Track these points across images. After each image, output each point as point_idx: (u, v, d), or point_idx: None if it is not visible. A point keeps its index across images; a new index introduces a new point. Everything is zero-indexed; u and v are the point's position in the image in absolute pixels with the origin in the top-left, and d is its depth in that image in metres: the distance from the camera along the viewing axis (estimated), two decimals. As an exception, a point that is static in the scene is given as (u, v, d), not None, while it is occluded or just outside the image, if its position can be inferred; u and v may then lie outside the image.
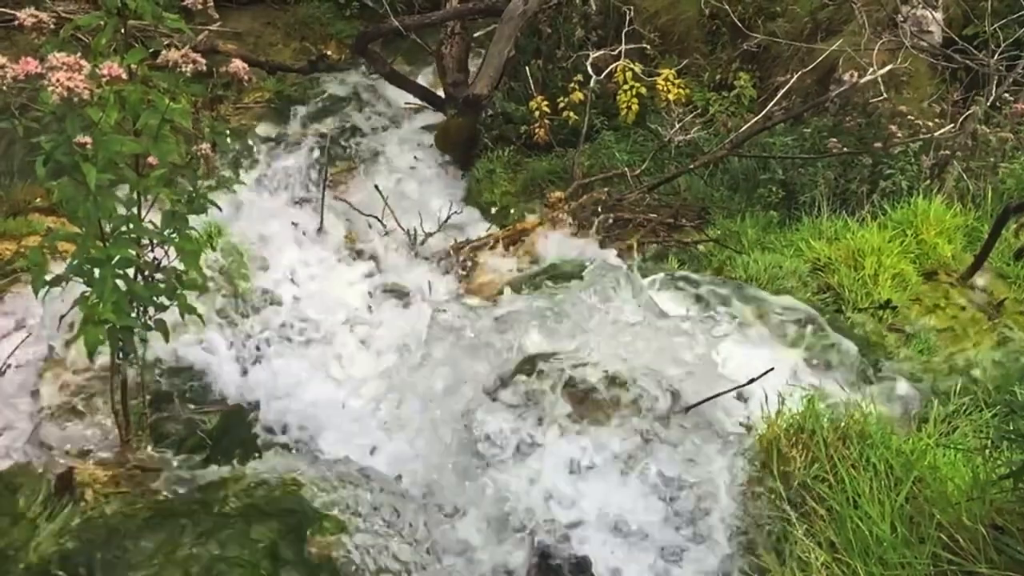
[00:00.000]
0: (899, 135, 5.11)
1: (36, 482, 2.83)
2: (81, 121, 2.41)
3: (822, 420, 2.98)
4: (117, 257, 2.72)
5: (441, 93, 6.70)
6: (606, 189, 5.47)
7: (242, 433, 3.79)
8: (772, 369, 3.26)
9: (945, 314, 4.28)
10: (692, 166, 5.57)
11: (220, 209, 3.13)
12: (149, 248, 3.00)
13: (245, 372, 4.13)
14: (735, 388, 3.29)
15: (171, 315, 3.13)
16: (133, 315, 2.94)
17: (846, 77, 5.52)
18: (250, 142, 6.51)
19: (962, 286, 4.46)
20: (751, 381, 3.21)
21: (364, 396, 3.77)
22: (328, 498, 2.80)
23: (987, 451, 2.84)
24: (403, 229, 5.41)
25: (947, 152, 5.25)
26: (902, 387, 3.71)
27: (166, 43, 2.75)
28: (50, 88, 2.27)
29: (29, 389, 3.99)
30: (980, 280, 4.49)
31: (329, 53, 7.44)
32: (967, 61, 5.77)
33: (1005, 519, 2.38)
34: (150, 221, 2.93)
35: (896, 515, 2.56)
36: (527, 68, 6.27)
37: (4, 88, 2.29)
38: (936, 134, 5.17)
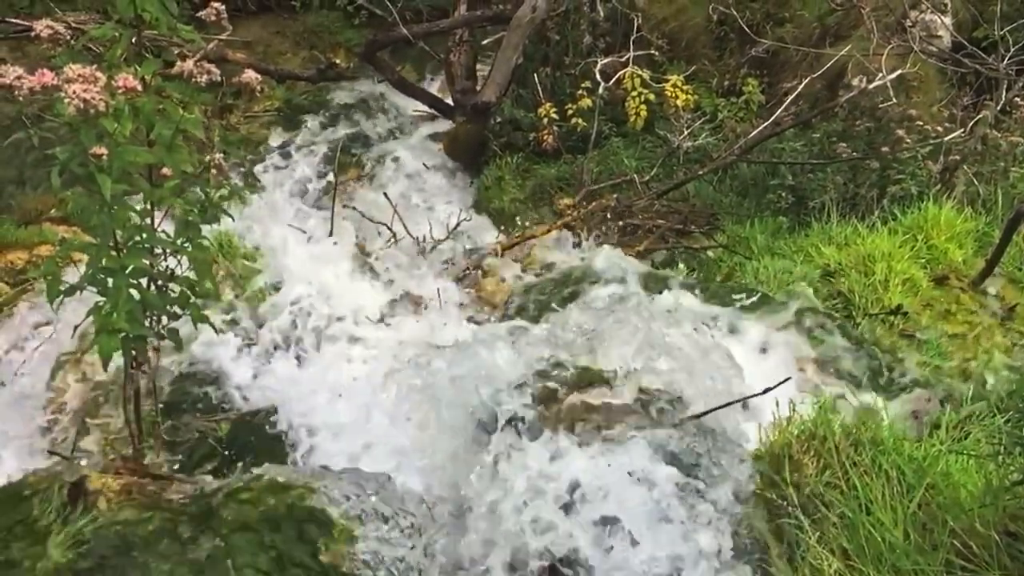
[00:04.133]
0: (908, 140, 5.10)
1: (49, 490, 2.84)
2: (96, 132, 2.43)
3: (834, 426, 2.98)
4: (131, 267, 2.74)
5: (449, 100, 6.72)
6: (615, 195, 5.48)
7: (253, 441, 3.80)
8: (789, 378, 3.25)
9: (956, 319, 4.27)
10: (701, 172, 5.57)
11: (232, 219, 3.14)
12: (162, 257, 3.01)
13: (256, 380, 4.14)
14: (750, 397, 3.28)
15: (184, 324, 3.15)
16: (147, 324, 2.95)
17: (855, 82, 5.51)
18: (260, 151, 6.54)
19: (973, 291, 4.44)
20: (767, 390, 3.19)
21: (376, 404, 3.78)
22: (340, 506, 2.80)
23: (1000, 457, 2.83)
24: (412, 236, 5.42)
25: (957, 157, 5.23)
26: (914, 393, 3.70)
27: (177, 52, 2.76)
28: (66, 100, 2.28)
29: (42, 398, 4.02)
30: (991, 285, 4.47)
31: (338, 61, 7.47)
32: (976, 65, 5.76)
33: (1018, 525, 2.37)
34: (163, 230, 2.95)
35: (909, 521, 2.56)
36: (535, 75, 6.27)
37: (20, 99, 2.31)
38: (946, 139, 5.16)
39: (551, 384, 3.30)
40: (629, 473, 3.03)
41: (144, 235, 2.81)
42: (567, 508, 2.96)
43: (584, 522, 2.91)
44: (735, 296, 4.16)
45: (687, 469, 3.02)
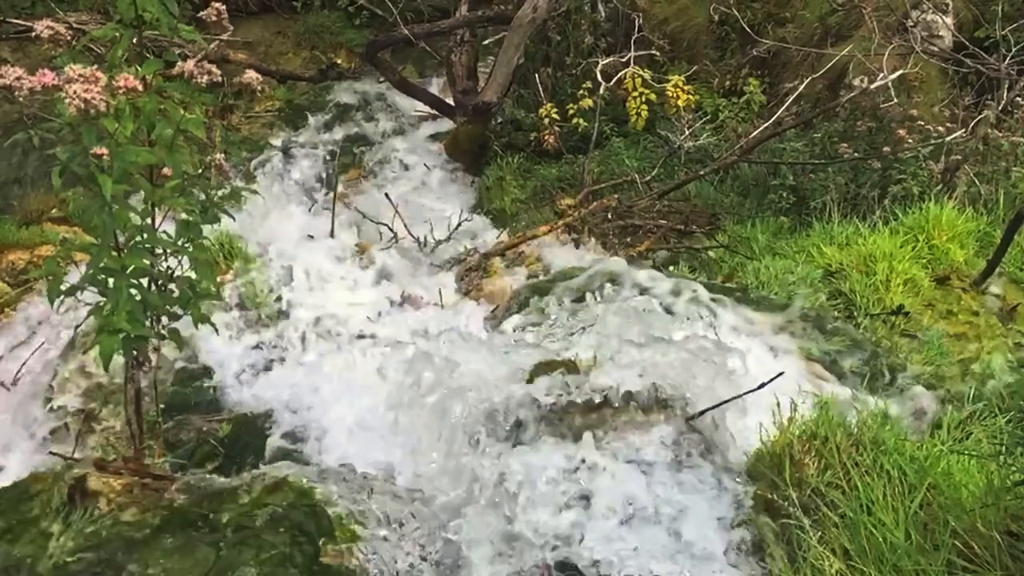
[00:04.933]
0: (910, 140, 5.10)
1: (50, 490, 2.84)
2: (97, 132, 2.43)
3: (835, 426, 2.97)
4: (132, 267, 2.74)
5: (451, 101, 6.72)
6: (616, 196, 5.48)
7: (254, 441, 3.80)
8: (782, 373, 3.24)
9: (958, 319, 4.26)
10: (702, 172, 5.57)
11: (233, 219, 3.14)
12: (163, 258, 3.01)
13: (257, 380, 4.14)
14: (745, 393, 3.27)
15: (184, 324, 3.15)
16: (147, 324, 2.95)
17: (856, 82, 5.51)
18: (261, 150, 6.54)
19: (975, 291, 4.44)
20: (762, 386, 3.19)
21: (378, 404, 3.77)
22: (341, 507, 2.80)
23: (1001, 457, 2.82)
24: (413, 236, 5.42)
25: (958, 157, 5.23)
26: (915, 393, 3.70)
27: (178, 53, 2.76)
28: (67, 100, 2.28)
29: (43, 397, 4.02)
30: (993, 286, 4.47)
31: (339, 62, 7.48)
32: (978, 65, 5.76)
33: (1020, 525, 2.36)
34: (163, 231, 2.95)
35: (910, 522, 2.55)
36: (536, 75, 6.29)
37: (21, 99, 2.31)
38: (947, 139, 5.16)
39: (544, 379, 3.30)
40: (613, 429, 3.04)
41: (145, 235, 2.81)
42: (568, 506, 2.96)
43: (584, 519, 2.91)
44: (736, 295, 4.16)
45: (686, 468, 3.03)
